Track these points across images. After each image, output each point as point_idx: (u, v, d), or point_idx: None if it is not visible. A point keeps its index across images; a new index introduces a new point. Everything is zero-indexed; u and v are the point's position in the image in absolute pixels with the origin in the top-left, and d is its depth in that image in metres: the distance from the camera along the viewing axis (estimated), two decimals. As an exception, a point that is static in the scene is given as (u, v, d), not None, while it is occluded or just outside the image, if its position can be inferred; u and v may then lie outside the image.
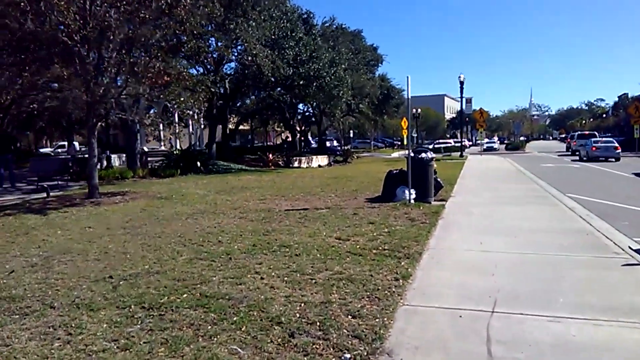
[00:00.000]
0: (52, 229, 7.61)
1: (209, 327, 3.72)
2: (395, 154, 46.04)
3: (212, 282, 4.80)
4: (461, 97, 38.38)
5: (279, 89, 26.09)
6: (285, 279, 4.94)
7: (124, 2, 10.08)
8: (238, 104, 40.71)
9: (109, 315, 3.95)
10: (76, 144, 49.74)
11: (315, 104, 25.87)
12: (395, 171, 11.93)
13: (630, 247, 6.39)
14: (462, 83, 36.94)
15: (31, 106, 15.48)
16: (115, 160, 24.24)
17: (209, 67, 24.27)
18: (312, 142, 52.66)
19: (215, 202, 10.57)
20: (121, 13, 10.01)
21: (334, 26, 30.26)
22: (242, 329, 3.67)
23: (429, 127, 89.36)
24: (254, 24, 16.36)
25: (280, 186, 14.34)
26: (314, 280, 4.87)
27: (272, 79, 19.96)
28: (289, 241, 6.67)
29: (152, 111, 11.29)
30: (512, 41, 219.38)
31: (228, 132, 31.33)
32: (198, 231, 7.46)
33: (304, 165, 29.12)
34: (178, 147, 24.25)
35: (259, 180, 16.52)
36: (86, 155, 26.20)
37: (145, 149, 36.64)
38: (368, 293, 4.52)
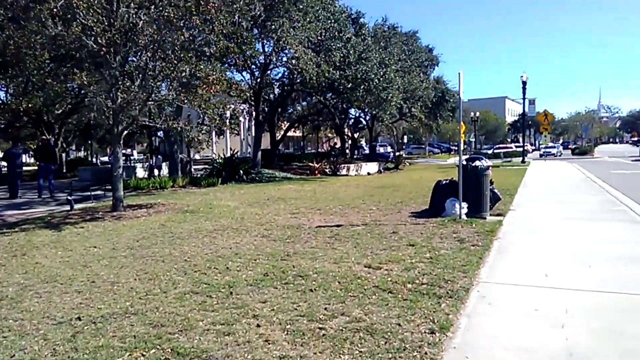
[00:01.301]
0: (54, 249, 6.97)
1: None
2: (451, 160, 43.93)
3: (195, 331, 3.83)
4: (523, 98, 35.93)
5: (330, 94, 25.18)
6: (288, 327, 3.90)
7: (152, 2, 9.47)
8: (289, 111, 40.31)
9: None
10: (135, 152, 51.15)
11: (365, 108, 24.72)
12: (444, 181, 10.61)
13: None
14: (524, 83, 34.58)
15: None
16: (165, 168, 24.18)
17: (255, 72, 23.78)
18: (365, 148, 51.41)
19: (242, 217, 9.71)
20: (149, 14, 9.40)
21: (386, 26, 28.96)
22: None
23: (488, 131, 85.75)
24: (297, 25, 15.50)
25: (320, 197, 13.34)
26: (322, 332, 3.79)
27: (317, 84, 19.02)
28: (308, 269, 5.63)
29: (188, 117, 10.66)
30: (580, 40, 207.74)
31: (276, 139, 30.80)
32: (209, 254, 6.57)
33: (352, 172, 27.99)
34: (221, 155, 23.82)
35: (299, 190, 15.61)
36: (134, 164, 26.59)
37: (197, 156, 36.98)
38: (390, 355, 3.39)
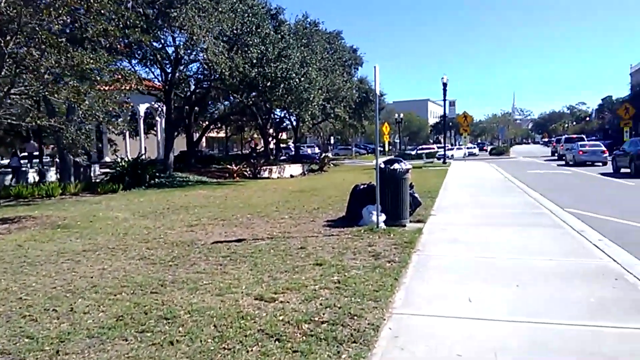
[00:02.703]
0: None
1: None
2: (386, 159, 43.92)
3: None
4: (444, 100, 36.50)
5: (250, 92, 23.77)
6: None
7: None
8: (210, 110, 38.30)
9: None
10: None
11: (286, 108, 23.65)
12: (362, 186, 9.72)
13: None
14: (445, 85, 35.07)
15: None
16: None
17: (167, 68, 21.92)
18: (292, 149, 50.32)
19: (127, 232, 8.22)
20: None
21: (308, 23, 28.01)
22: None
23: (412, 132, 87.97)
24: (205, 14, 14.07)
25: (229, 204, 12.03)
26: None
27: (233, 80, 17.62)
28: (180, 307, 4.37)
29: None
30: (495, 45, 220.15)
31: (193, 140, 28.93)
32: (59, 287, 5.12)
33: (274, 175, 26.81)
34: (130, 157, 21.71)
35: (209, 196, 14.18)
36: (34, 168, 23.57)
37: (108, 159, 33.99)
38: None
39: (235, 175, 23.16)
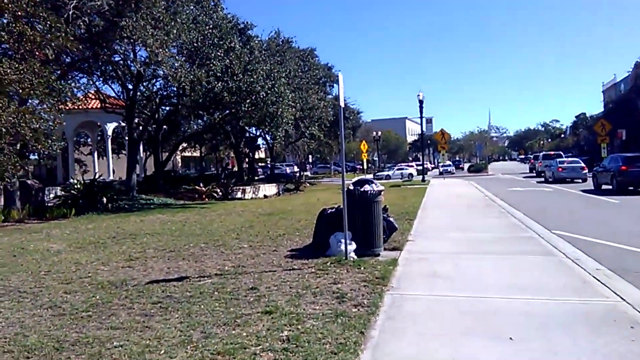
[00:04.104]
0: None
1: None
2: (356, 179, 43.07)
3: None
4: (421, 117, 35.92)
5: (216, 110, 22.63)
6: None
7: None
8: (182, 129, 36.96)
9: None
10: None
11: (254, 125, 22.59)
12: (330, 210, 8.64)
13: None
14: (421, 102, 34.52)
15: None
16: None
17: (127, 84, 20.72)
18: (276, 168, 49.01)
19: (50, 269, 6.95)
20: None
21: (280, 40, 27.17)
22: None
23: (390, 150, 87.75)
24: (159, 24, 12.99)
25: (186, 231, 10.81)
26: None
27: (196, 96, 16.52)
28: (63, 389, 3.20)
29: None
30: (470, 62, 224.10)
31: (160, 160, 27.59)
32: None
33: (248, 195, 25.60)
34: (85, 179, 20.26)
35: (166, 221, 12.90)
36: None
37: (74, 180, 32.33)
38: None
39: (204, 196, 21.89)
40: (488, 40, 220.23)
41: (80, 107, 27.91)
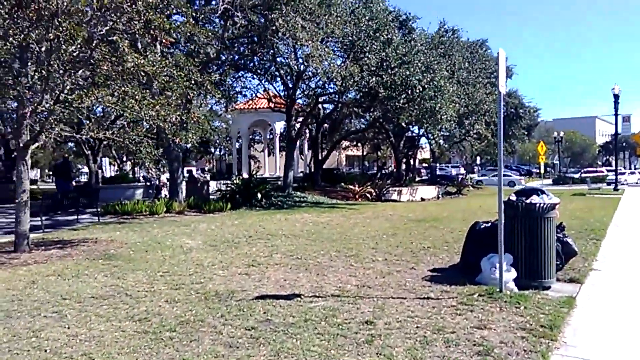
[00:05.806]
0: None
1: None
2: (529, 184, 38.49)
3: None
4: (615, 114, 30.26)
5: (371, 106, 21.80)
6: None
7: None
8: (345, 128, 37.22)
9: None
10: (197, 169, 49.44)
11: (413, 122, 21.09)
12: (484, 225, 6.96)
13: None
14: (616, 97, 29.04)
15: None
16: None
17: (289, 83, 21.06)
18: (438, 170, 46.77)
19: (168, 270, 6.64)
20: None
21: (446, 30, 25.13)
22: None
23: (575, 153, 77.70)
24: (311, 17, 12.51)
25: (322, 235, 10.01)
26: None
27: (347, 90, 15.85)
28: None
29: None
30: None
31: (321, 158, 27.81)
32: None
33: (404, 198, 24.23)
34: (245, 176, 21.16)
35: (308, 222, 12.34)
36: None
37: (246, 175, 34.74)
38: None
39: (357, 196, 21.20)
40: None
41: (252, 106, 29.95)
